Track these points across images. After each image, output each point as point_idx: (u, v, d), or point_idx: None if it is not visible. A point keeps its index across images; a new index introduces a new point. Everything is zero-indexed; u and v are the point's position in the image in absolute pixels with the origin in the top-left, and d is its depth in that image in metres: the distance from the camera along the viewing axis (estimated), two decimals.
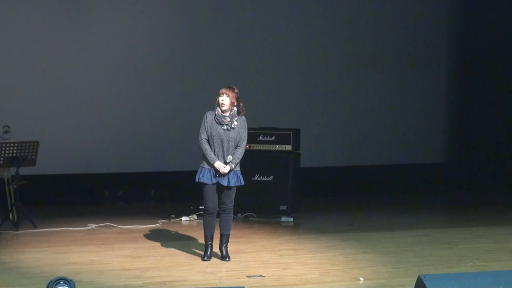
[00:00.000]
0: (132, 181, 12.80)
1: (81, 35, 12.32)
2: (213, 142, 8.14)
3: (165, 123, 12.78)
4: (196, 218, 10.65)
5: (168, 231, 10.02)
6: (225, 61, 13.06)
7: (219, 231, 8.40)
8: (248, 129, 8.35)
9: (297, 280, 7.58)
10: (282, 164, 10.84)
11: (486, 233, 10.01)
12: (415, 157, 14.33)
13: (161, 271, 7.88)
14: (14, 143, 9.86)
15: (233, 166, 8.14)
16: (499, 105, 14.55)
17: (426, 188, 14.00)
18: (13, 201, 10.04)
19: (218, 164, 8.09)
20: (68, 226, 10.10)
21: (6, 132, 10.54)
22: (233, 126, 8.15)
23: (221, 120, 8.13)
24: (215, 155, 8.12)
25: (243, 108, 8.25)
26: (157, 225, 10.35)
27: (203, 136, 8.19)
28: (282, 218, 10.80)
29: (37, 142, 9.99)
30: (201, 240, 8.42)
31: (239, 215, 10.73)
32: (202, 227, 8.36)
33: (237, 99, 8.19)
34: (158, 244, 9.16)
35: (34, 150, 9.93)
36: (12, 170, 10.00)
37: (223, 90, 8.16)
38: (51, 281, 6.08)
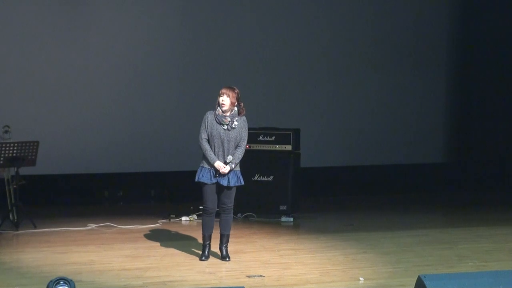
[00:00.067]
0: (132, 181, 12.80)
1: (81, 35, 12.32)
2: (214, 142, 8.14)
3: (165, 123, 12.78)
4: (196, 218, 10.65)
5: (168, 231, 10.02)
6: (225, 61, 13.06)
7: (219, 231, 8.40)
8: (248, 129, 8.35)
9: (297, 280, 7.58)
10: (282, 164, 10.85)
11: (486, 233, 10.01)
12: (415, 157, 14.32)
13: (161, 271, 7.88)
14: (14, 143, 9.87)
15: (233, 166, 8.14)
16: (499, 105, 14.55)
17: (426, 188, 14.00)
18: (13, 201, 10.05)
19: (218, 164, 8.09)
20: (68, 226, 10.10)
21: (6, 132, 10.54)
22: (233, 126, 8.16)
23: (222, 120, 8.13)
24: (215, 155, 8.12)
25: (244, 108, 8.25)
26: (157, 225, 10.36)
27: (203, 136, 8.19)
28: (282, 218, 10.81)
29: (37, 142, 9.99)
30: (201, 240, 8.41)
31: (239, 215, 10.74)
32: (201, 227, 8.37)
33: (238, 99, 8.19)
34: (158, 244, 9.16)
35: (34, 150, 9.93)
36: (12, 170, 10.01)
37: (224, 90, 8.16)
38: (51, 281, 6.08)
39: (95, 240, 9.43)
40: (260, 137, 10.90)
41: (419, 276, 5.98)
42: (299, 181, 11.02)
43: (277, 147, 10.86)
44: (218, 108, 8.17)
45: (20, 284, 7.30)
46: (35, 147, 9.93)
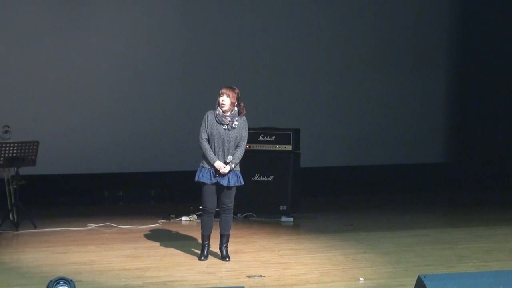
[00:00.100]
0: (132, 181, 12.81)
1: (81, 35, 12.32)
2: (214, 142, 8.14)
3: (165, 123, 12.78)
4: (196, 218, 10.65)
5: (168, 231, 10.02)
6: (225, 61, 13.07)
7: (219, 231, 8.40)
8: (248, 129, 8.35)
9: (297, 280, 7.58)
10: (282, 164, 10.84)
11: (486, 233, 10.01)
12: (415, 157, 14.33)
13: (161, 271, 7.88)
14: (14, 143, 9.86)
15: (233, 166, 8.14)
16: (499, 105, 14.55)
17: (426, 188, 14.00)
18: (13, 201, 10.04)
19: (218, 164, 8.09)
20: (68, 226, 10.10)
21: (6, 132, 10.54)
22: (234, 126, 8.16)
23: (222, 120, 8.13)
24: (215, 154, 8.12)
25: (244, 108, 8.25)
26: (157, 225, 10.35)
27: (204, 135, 8.19)
28: (282, 218, 10.80)
29: (37, 142, 9.99)
30: (201, 240, 8.41)
31: (239, 215, 10.73)
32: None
33: (238, 99, 8.19)
34: (158, 244, 9.16)
35: (34, 150, 9.93)
36: (12, 170, 10.00)
37: (224, 90, 8.16)
38: (51, 281, 6.08)
39: (95, 240, 9.43)
40: (260, 137, 10.90)
41: (419, 276, 5.98)
42: (299, 181, 11.01)
43: (277, 147, 10.86)
44: (218, 108, 8.17)
45: (20, 284, 7.29)
46: (35, 147, 9.92)
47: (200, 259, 8.29)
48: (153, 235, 9.69)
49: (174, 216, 10.77)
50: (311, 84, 13.62)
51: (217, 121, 8.15)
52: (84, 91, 12.36)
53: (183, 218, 10.75)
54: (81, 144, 12.32)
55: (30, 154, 9.91)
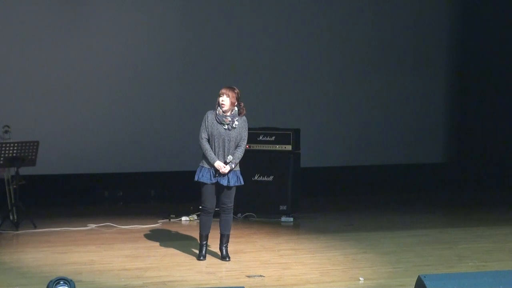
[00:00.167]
0: (132, 181, 12.81)
1: (81, 35, 12.32)
2: (214, 142, 8.14)
3: (165, 123, 12.78)
4: (196, 218, 10.64)
5: (168, 231, 10.02)
6: (225, 61, 13.06)
7: (219, 231, 8.40)
8: (248, 129, 8.35)
9: (297, 280, 7.58)
10: (282, 164, 10.84)
11: (486, 233, 10.01)
12: (415, 157, 14.33)
13: (161, 271, 7.88)
14: (14, 143, 9.86)
15: (233, 166, 8.14)
16: (499, 105, 14.55)
17: (426, 188, 14.00)
18: (13, 201, 10.04)
19: (218, 164, 8.09)
20: (68, 226, 10.10)
21: (6, 132, 10.54)
22: (234, 126, 8.16)
23: (223, 119, 8.13)
24: (215, 154, 8.12)
25: (244, 108, 8.25)
26: (157, 225, 10.35)
27: (204, 135, 8.19)
28: (282, 218, 10.80)
29: (37, 142, 9.99)
30: (199, 240, 8.41)
31: (239, 215, 10.73)
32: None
33: (238, 99, 8.19)
34: (158, 244, 9.16)
35: (34, 150, 9.93)
36: (12, 170, 10.00)
37: (223, 91, 8.16)
38: (51, 281, 6.08)
39: (95, 240, 9.43)
40: (260, 137, 10.89)
41: (419, 276, 5.98)
42: (299, 181, 11.01)
43: (277, 147, 10.86)
44: (219, 108, 8.17)
45: (20, 284, 7.29)
46: (35, 147, 9.92)
47: (198, 259, 8.30)
48: (153, 235, 9.69)
49: (174, 216, 10.77)
50: (311, 84, 13.62)
51: (217, 121, 8.15)
52: (84, 91, 12.36)
53: (183, 218, 10.75)
54: (81, 144, 12.32)
55: (30, 154, 9.91)
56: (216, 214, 8.36)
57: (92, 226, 10.17)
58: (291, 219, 10.81)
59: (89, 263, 8.16)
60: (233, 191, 8.27)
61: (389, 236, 9.80)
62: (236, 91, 8.18)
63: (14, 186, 9.97)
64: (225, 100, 8.12)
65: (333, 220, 11.04)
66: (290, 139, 10.85)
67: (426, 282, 5.87)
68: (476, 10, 14.49)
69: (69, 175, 12.39)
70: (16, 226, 9.90)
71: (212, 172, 8.13)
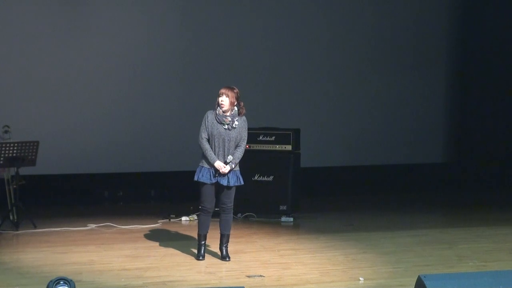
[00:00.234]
0: (132, 181, 12.81)
1: (81, 35, 12.32)
2: (214, 142, 8.15)
3: (165, 123, 12.78)
4: (196, 218, 10.64)
5: (168, 231, 10.02)
6: (225, 61, 13.07)
7: (219, 231, 8.40)
8: (248, 129, 8.35)
9: (297, 280, 7.58)
10: (282, 164, 10.84)
11: (486, 233, 10.01)
12: (415, 157, 14.33)
13: (161, 271, 7.88)
14: (14, 143, 9.86)
15: (233, 166, 8.14)
16: (499, 105, 14.55)
17: (426, 188, 14.00)
18: (13, 201, 10.04)
19: (218, 164, 8.09)
20: (68, 226, 10.10)
21: (6, 132, 10.54)
22: (234, 126, 8.16)
23: (223, 119, 8.13)
24: (215, 154, 8.12)
25: (244, 108, 8.25)
26: (157, 225, 10.35)
27: (204, 135, 8.19)
28: (282, 218, 10.80)
29: (37, 142, 9.99)
30: (197, 240, 8.41)
31: (239, 215, 10.73)
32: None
33: (237, 99, 8.19)
34: (158, 244, 9.16)
35: (34, 150, 9.93)
36: (12, 170, 10.00)
37: (223, 90, 8.16)
38: (51, 281, 6.08)
39: (95, 240, 9.43)
40: (260, 137, 10.89)
41: (419, 276, 5.98)
42: (299, 181, 11.01)
43: (277, 147, 10.86)
44: (218, 108, 8.17)
45: (20, 284, 7.29)
46: (35, 147, 9.92)
47: (198, 259, 8.30)
48: (153, 235, 9.69)
49: (174, 216, 10.78)
50: (311, 84, 13.63)
51: (217, 121, 8.15)
52: (84, 91, 12.36)
53: (183, 218, 10.75)
54: (81, 144, 12.32)
55: (30, 154, 9.91)
56: (216, 214, 8.36)
57: (92, 226, 10.17)
58: (291, 219, 10.81)
59: (89, 263, 8.16)
60: (233, 191, 8.27)
61: (389, 236, 9.80)
62: (235, 91, 8.18)
63: (14, 186, 9.97)
64: (225, 100, 8.12)
65: (333, 220, 11.04)
66: (290, 139, 10.85)
67: (426, 282, 5.87)
68: (476, 10, 14.49)
69: (69, 175, 12.39)
70: (16, 226, 9.90)
71: (212, 172, 8.13)
